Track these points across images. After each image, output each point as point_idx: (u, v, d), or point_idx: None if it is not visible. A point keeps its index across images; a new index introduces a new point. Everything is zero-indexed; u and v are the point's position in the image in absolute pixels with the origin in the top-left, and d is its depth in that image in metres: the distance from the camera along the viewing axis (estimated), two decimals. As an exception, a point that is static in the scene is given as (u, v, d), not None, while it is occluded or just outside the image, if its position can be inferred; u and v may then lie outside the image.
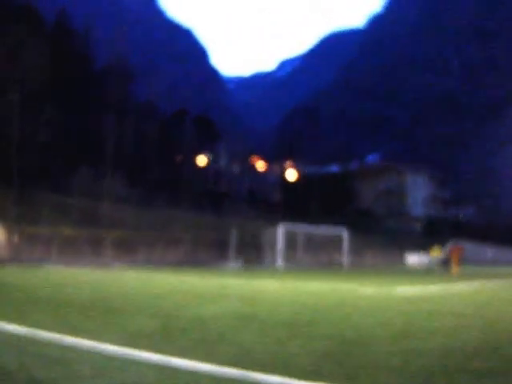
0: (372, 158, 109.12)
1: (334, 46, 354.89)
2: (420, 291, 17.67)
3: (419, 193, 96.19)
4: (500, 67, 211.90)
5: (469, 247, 65.56)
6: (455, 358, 5.79)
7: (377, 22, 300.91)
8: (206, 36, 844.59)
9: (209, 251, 45.17)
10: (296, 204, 70.94)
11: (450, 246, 40.33)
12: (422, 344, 6.67)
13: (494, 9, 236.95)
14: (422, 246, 61.14)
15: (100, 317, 8.59)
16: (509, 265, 56.62)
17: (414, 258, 58.75)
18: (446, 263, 41.40)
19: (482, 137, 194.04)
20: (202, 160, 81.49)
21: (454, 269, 36.46)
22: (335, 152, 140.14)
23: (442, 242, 45.42)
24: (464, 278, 27.05)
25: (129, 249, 39.84)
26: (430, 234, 73.78)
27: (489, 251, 62.87)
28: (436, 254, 46.03)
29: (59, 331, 6.74)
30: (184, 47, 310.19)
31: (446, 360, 5.69)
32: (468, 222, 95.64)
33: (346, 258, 47.39)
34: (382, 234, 66.16)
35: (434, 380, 4.84)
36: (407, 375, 4.98)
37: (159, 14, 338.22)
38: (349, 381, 4.76)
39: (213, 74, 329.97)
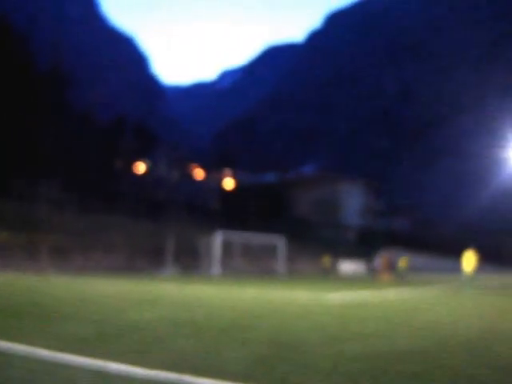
0: (308, 169, 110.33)
1: (273, 58, 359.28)
2: (353, 297, 18.01)
3: (353, 203, 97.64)
4: (433, 85, 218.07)
5: (400, 256, 67.14)
6: (383, 361, 5.97)
7: (315, 37, 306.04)
8: (147, 43, 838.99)
9: (146, 258, 44.73)
10: (233, 212, 71.11)
11: (380, 255, 41.34)
12: (352, 348, 6.86)
13: (431, 28, 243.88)
14: (356, 254, 62.37)
15: (34, 322, 8.48)
16: (438, 272, 58.34)
17: (347, 266, 59.76)
18: (374, 271, 42.49)
19: (414, 151, 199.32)
20: (140, 167, 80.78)
21: (385, 276, 37.48)
22: (272, 162, 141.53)
23: (375, 251, 46.29)
24: (395, 285, 27.73)
25: (64, 254, 39.08)
26: (363, 243, 75.12)
27: (420, 260, 64.60)
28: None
29: (-9, 336, 6.64)
30: (125, 54, 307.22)
31: (375, 363, 5.88)
32: (400, 232, 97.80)
33: (281, 266, 47.71)
34: (317, 243, 66.92)
35: (361, 382, 5.01)
36: (336, 377, 5.14)
37: (101, 21, 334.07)
38: (279, 383, 4.90)
39: (153, 82, 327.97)
